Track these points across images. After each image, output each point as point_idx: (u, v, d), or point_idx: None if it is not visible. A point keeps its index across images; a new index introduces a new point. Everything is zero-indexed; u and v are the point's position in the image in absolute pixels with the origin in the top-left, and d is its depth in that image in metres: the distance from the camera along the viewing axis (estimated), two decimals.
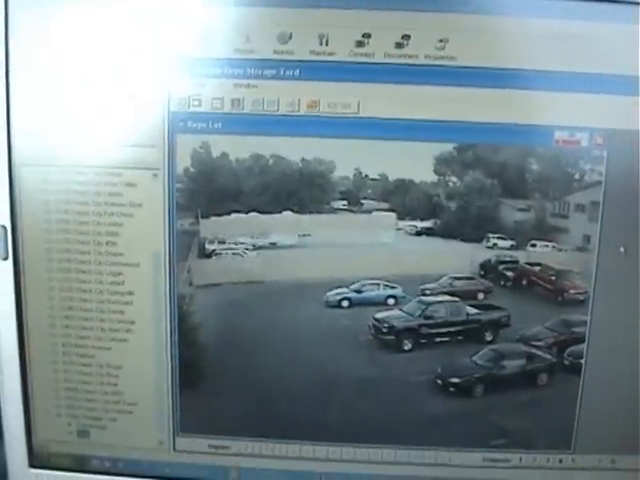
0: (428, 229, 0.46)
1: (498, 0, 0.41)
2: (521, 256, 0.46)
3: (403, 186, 0.44)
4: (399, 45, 0.42)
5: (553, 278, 0.46)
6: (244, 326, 0.46)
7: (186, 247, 0.45)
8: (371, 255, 0.46)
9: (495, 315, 0.47)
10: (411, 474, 0.48)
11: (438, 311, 0.47)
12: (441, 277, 0.46)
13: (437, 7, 0.41)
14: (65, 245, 0.45)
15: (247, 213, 0.45)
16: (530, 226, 0.45)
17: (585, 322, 0.45)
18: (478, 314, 0.47)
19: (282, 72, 0.42)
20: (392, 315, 0.47)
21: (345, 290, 0.46)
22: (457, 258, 0.46)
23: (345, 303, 0.47)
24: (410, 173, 0.44)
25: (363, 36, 0.42)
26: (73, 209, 0.45)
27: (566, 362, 0.47)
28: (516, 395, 0.47)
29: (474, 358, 0.47)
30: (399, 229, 0.45)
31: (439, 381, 0.47)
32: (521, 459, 0.48)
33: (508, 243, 0.45)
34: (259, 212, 0.45)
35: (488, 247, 0.45)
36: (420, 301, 0.47)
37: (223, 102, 0.43)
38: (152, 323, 0.46)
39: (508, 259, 0.46)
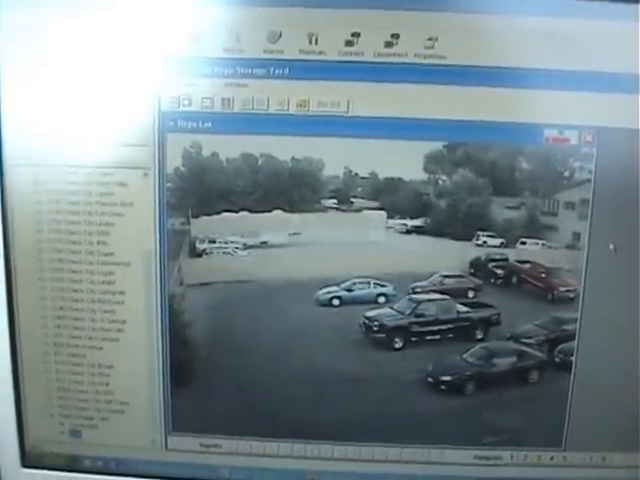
0: (418, 227, 0.46)
1: None
2: (511, 254, 0.46)
3: (393, 184, 0.44)
4: (388, 44, 0.42)
5: (543, 276, 0.46)
6: (235, 325, 0.46)
7: (177, 246, 0.45)
8: (361, 253, 0.46)
9: (485, 313, 0.47)
10: (403, 472, 0.48)
11: (428, 309, 0.47)
12: (431, 275, 0.46)
13: (426, 6, 0.41)
14: (57, 245, 0.45)
15: (237, 212, 0.45)
16: (520, 224, 0.45)
17: (575, 319, 0.45)
18: (468, 312, 0.47)
19: (272, 71, 0.42)
20: (383, 313, 0.47)
21: (336, 289, 0.46)
22: (447, 256, 0.46)
23: (336, 302, 0.47)
24: (400, 171, 0.44)
25: (352, 35, 0.42)
26: (64, 209, 0.45)
27: (557, 359, 0.47)
28: (507, 393, 0.47)
29: (465, 356, 0.47)
30: (389, 227, 0.45)
31: (430, 379, 0.47)
32: (512, 456, 0.48)
33: (498, 241, 0.45)
34: (249, 211, 0.45)
35: (478, 245, 0.45)
36: (410, 299, 0.47)
37: (213, 101, 0.43)
38: (143, 322, 0.46)
39: (498, 257, 0.46)
